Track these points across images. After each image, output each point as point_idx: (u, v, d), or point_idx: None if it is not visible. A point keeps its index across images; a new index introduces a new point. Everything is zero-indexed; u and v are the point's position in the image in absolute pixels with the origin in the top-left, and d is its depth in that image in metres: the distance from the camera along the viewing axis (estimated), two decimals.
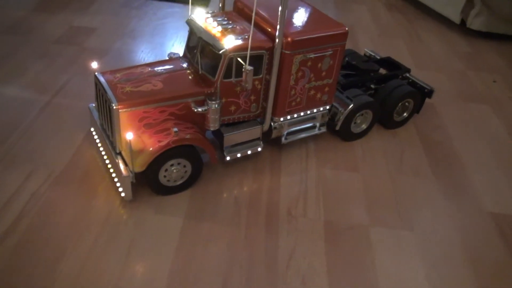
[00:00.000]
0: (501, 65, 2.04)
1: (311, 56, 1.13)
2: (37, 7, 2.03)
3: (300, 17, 1.20)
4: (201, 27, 1.11)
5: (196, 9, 1.18)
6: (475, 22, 2.21)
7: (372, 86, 1.46)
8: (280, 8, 1.01)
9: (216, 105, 1.07)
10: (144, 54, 1.75)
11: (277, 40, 1.06)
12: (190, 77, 1.11)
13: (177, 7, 2.17)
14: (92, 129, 1.24)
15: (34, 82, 1.51)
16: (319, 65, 1.17)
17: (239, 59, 1.05)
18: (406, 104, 1.47)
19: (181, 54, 1.22)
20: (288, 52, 1.09)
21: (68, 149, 1.23)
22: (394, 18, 2.40)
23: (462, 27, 2.29)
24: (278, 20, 1.03)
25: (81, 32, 1.85)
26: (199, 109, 1.07)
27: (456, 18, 2.26)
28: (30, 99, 1.42)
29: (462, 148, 1.45)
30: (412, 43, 2.15)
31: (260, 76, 1.11)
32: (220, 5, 1.28)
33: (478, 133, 1.54)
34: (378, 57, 1.63)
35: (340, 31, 1.16)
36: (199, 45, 1.11)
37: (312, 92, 1.22)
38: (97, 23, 1.94)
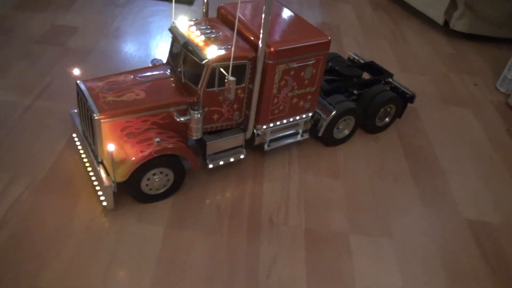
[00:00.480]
0: (482, 67, 2.07)
1: (293, 65, 1.14)
2: (17, 4, 1.99)
3: (283, 25, 1.20)
4: (184, 35, 1.11)
5: (179, 16, 1.17)
6: (458, 24, 2.23)
7: (355, 91, 1.48)
8: (263, 18, 1.01)
9: (199, 115, 1.07)
10: (128, 55, 1.74)
11: (259, 50, 1.06)
12: (173, 86, 1.11)
13: (162, 5, 2.15)
14: (74, 135, 1.24)
15: (15, 84, 1.49)
16: (302, 73, 1.18)
17: (221, 69, 1.05)
18: (388, 109, 1.49)
19: (164, 60, 1.22)
20: (270, 62, 1.10)
21: (50, 155, 1.23)
22: (379, 17, 2.41)
23: (445, 28, 2.31)
24: (261, 30, 1.03)
25: (63, 31, 1.83)
26: (182, 119, 1.07)
27: (439, 19, 2.28)
28: (11, 102, 1.41)
29: (442, 153, 1.48)
30: (397, 44, 2.17)
31: (243, 85, 1.12)
32: (204, 10, 1.28)
33: (459, 138, 1.57)
34: (362, 61, 1.64)
35: (322, 40, 1.17)
36: (182, 54, 1.10)
37: (295, 100, 1.23)
38: (80, 21, 1.91)
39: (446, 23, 2.28)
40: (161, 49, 1.80)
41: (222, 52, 1.05)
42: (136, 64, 1.68)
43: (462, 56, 2.15)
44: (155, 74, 1.14)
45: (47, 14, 1.94)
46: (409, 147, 1.48)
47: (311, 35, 1.17)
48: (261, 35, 1.04)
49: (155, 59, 1.22)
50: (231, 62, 1.02)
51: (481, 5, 2.13)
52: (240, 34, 1.14)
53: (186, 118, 1.07)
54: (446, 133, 1.58)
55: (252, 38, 1.12)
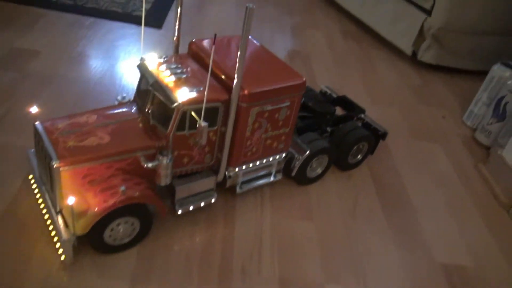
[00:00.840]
0: (449, 99, 2.10)
1: (268, 108, 1.10)
2: None
3: (257, 65, 1.16)
4: (153, 75, 1.04)
5: (148, 53, 1.11)
6: (426, 55, 2.27)
7: (328, 128, 1.45)
8: (237, 60, 0.96)
9: (168, 160, 1.01)
10: (93, 83, 1.65)
11: (233, 93, 1.02)
12: (140, 128, 1.04)
13: (129, 29, 2.07)
14: (30, 177, 1.14)
15: None
16: (276, 115, 1.14)
17: (193, 112, 1.00)
18: (361, 146, 1.47)
19: (129, 94, 1.16)
20: (244, 105, 1.05)
21: (3, 199, 1.13)
22: (349, 46, 2.42)
23: (413, 58, 2.34)
24: (236, 72, 0.99)
25: (23, 55, 1.72)
26: (149, 165, 1.00)
27: (408, 49, 2.31)
28: None
29: (413, 192, 1.47)
30: (366, 73, 2.17)
31: (215, 128, 1.07)
32: (175, 45, 1.22)
33: (429, 175, 1.57)
34: (335, 96, 1.62)
35: (297, 82, 1.13)
36: (151, 94, 1.04)
37: (269, 141, 1.18)
38: (42, 44, 1.81)
39: (414, 53, 2.32)
40: (128, 77, 1.72)
41: (194, 94, 1.00)
42: (101, 93, 1.60)
43: (429, 87, 2.18)
44: (121, 115, 1.07)
45: (6, 35, 1.82)
46: (381, 185, 1.47)
47: (286, 76, 1.14)
48: (235, 78, 0.99)
49: (121, 96, 1.15)
50: (203, 107, 0.96)
51: (447, 38, 2.17)
52: (212, 73, 1.09)
53: (154, 164, 1.01)
54: (417, 169, 1.58)
55: (224, 78, 1.07)
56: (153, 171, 1.04)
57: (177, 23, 1.16)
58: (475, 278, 1.21)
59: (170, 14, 2.26)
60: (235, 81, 0.99)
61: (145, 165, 1.00)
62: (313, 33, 2.47)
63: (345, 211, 1.33)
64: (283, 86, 1.10)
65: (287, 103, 1.13)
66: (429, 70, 2.32)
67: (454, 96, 2.14)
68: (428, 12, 2.15)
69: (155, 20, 2.16)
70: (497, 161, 1.63)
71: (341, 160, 1.44)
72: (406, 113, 1.91)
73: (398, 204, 1.40)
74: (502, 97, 1.74)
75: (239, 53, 0.95)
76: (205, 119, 0.98)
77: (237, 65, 0.97)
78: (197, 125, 0.97)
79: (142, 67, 1.08)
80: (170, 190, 1.12)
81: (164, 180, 1.04)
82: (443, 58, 2.27)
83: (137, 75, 1.12)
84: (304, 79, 1.15)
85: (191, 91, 1.00)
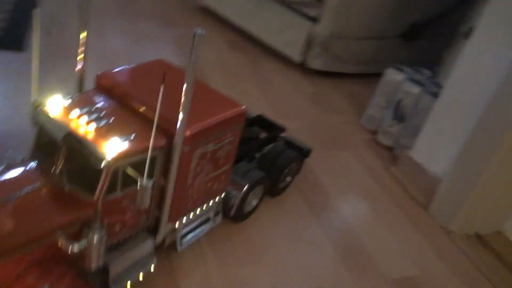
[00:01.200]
0: (343, 103, 2.14)
1: (211, 148, 0.92)
2: None
3: None
4: (62, 125, 0.78)
5: (52, 96, 0.82)
6: (314, 62, 2.28)
7: (256, 154, 1.32)
8: (182, 98, 0.77)
9: (100, 237, 0.76)
10: None
11: (177, 136, 0.81)
12: (51, 198, 0.77)
13: None
14: None
15: None
16: (219, 153, 0.96)
17: (127, 168, 0.77)
18: (291, 168, 1.37)
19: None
20: (187, 148, 0.85)
21: None
22: (238, 58, 2.31)
23: (301, 66, 2.33)
24: (181, 110, 0.79)
25: None
26: (76, 248, 0.74)
27: (296, 57, 2.30)
28: None
29: (344, 207, 1.43)
30: (261, 86, 2.09)
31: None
32: (79, 74, 0.95)
33: (350, 186, 1.55)
34: (252, 116, 1.49)
35: (238, 112, 0.97)
36: (62, 151, 0.78)
37: (209, 184, 1.00)
38: None
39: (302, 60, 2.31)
40: None
41: (125, 145, 0.77)
42: None
43: (322, 94, 2.19)
44: (20, 184, 0.78)
45: None
46: (314, 206, 1.39)
47: (224, 106, 0.97)
48: (180, 117, 0.79)
49: (10, 153, 0.85)
50: (148, 158, 0.74)
51: (334, 44, 2.22)
52: (134, 112, 0.87)
53: (82, 244, 0.75)
54: (338, 182, 1.55)
55: (157, 119, 0.86)
56: (79, 253, 0.77)
57: (82, 49, 0.90)
58: (427, 285, 1.20)
59: (30, 33, 1.88)
60: (180, 120, 0.79)
61: (70, 249, 0.74)
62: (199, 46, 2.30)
63: (289, 244, 1.22)
64: (224, 119, 0.93)
65: (231, 138, 0.96)
66: (319, 77, 2.33)
67: (347, 100, 2.18)
68: (314, 20, 2.16)
69: (13, 41, 1.77)
70: (407, 162, 1.68)
71: (272, 186, 1.32)
72: (309, 124, 1.87)
73: (335, 223, 1.35)
74: (400, 100, 1.81)
75: (185, 86, 0.75)
76: (140, 173, 0.76)
77: (182, 100, 0.77)
78: (138, 185, 0.74)
79: (42, 115, 0.80)
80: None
81: (95, 262, 0.78)
82: (330, 64, 2.31)
83: (28, 125, 0.84)
84: (244, 106, 0.99)
85: (120, 141, 0.77)
